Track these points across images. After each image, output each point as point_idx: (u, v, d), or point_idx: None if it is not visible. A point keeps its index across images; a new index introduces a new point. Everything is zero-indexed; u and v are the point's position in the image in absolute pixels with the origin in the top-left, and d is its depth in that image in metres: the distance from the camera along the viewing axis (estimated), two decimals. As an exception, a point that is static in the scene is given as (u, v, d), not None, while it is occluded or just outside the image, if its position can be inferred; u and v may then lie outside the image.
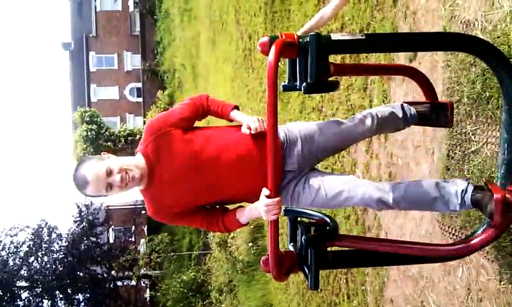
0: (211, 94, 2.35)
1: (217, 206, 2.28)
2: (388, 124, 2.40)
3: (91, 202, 19.20)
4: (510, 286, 2.36)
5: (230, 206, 2.31)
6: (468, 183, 2.08)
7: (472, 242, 2.01)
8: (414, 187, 2.12)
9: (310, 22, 2.14)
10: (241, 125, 2.19)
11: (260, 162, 2.06)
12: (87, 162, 2.06)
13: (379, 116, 2.34)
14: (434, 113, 2.44)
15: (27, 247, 18.00)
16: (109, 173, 2.02)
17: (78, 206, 18.69)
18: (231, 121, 2.27)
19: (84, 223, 18.53)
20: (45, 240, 18.08)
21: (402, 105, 2.45)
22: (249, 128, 2.12)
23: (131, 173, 2.06)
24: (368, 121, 2.31)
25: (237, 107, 2.27)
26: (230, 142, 2.17)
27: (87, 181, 2.01)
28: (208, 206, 2.26)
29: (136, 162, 2.12)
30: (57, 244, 18.43)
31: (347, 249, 2.20)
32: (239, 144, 2.16)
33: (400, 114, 2.41)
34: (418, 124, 2.52)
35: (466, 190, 2.04)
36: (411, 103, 2.49)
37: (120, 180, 2.02)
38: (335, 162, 4.71)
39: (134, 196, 24.12)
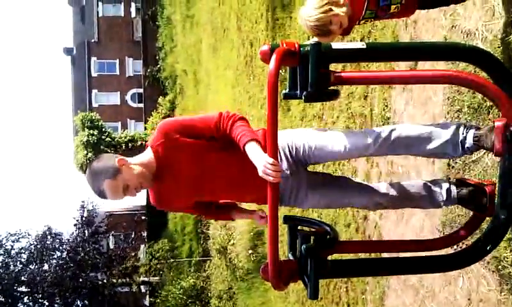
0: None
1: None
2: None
3: (95, 210, 19.17)
4: (511, 296, 2.34)
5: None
6: (450, 184, 2.24)
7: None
8: (406, 186, 2.33)
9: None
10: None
11: (253, 181, 2.06)
12: (102, 172, 2.21)
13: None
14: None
15: (29, 252, 17.98)
16: (126, 189, 2.26)
17: (82, 207, 18.63)
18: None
19: (86, 230, 18.47)
20: (47, 246, 18.05)
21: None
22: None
23: (144, 185, 2.30)
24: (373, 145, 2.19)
25: (257, 140, 2.09)
26: (230, 161, 2.26)
27: (106, 196, 2.28)
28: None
29: (147, 161, 2.27)
30: (59, 250, 18.39)
31: (347, 258, 2.20)
32: (232, 163, 2.25)
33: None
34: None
35: (450, 190, 2.23)
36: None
37: (134, 193, 2.31)
38: (335, 170, 4.70)
39: (134, 202, 24.15)
